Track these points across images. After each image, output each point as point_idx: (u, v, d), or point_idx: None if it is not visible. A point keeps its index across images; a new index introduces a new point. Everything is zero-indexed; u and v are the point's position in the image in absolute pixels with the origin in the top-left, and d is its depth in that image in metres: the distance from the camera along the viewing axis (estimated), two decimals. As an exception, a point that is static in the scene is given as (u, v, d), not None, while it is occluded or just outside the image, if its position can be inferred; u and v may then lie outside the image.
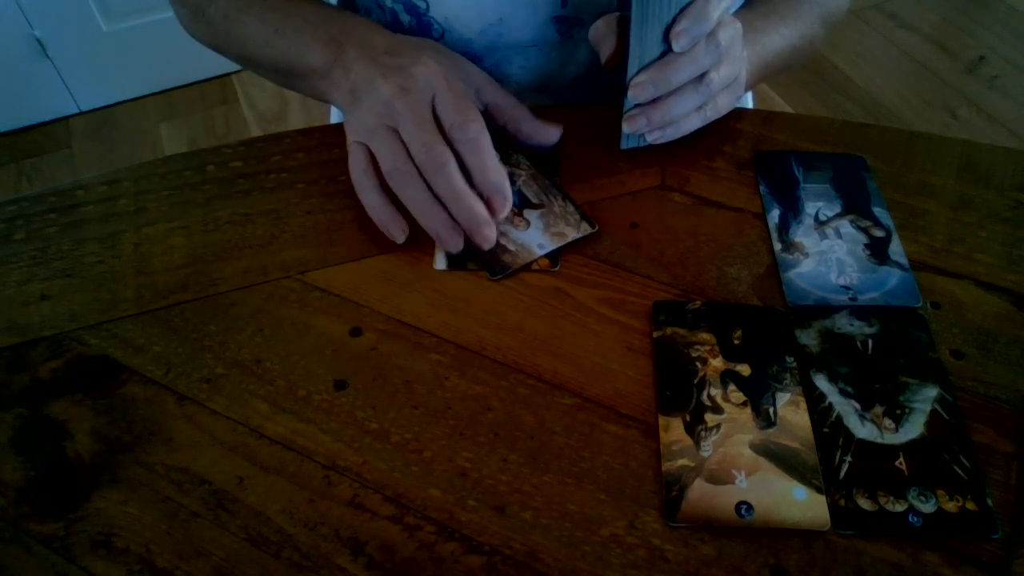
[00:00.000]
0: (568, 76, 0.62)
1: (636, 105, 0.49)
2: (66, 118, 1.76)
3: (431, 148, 0.45)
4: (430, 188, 0.46)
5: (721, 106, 0.52)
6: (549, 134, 0.52)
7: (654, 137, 0.51)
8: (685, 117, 0.50)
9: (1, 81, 1.64)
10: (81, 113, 1.77)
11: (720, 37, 0.48)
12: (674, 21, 0.46)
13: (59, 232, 0.49)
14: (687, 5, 0.46)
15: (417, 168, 0.46)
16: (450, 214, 0.46)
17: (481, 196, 0.46)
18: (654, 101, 0.49)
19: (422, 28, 0.58)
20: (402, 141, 0.46)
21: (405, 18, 0.58)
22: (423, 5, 0.56)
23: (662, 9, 0.46)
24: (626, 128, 0.50)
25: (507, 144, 0.53)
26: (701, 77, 0.49)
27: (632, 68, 0.48)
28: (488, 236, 0.46)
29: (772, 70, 0.59)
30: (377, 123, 0.47)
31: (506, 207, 0.47)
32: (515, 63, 0.60)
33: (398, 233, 0.47)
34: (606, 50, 0.49)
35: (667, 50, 0.47)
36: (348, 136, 0.50)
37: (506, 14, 0.56)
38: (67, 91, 1.72)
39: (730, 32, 0.49)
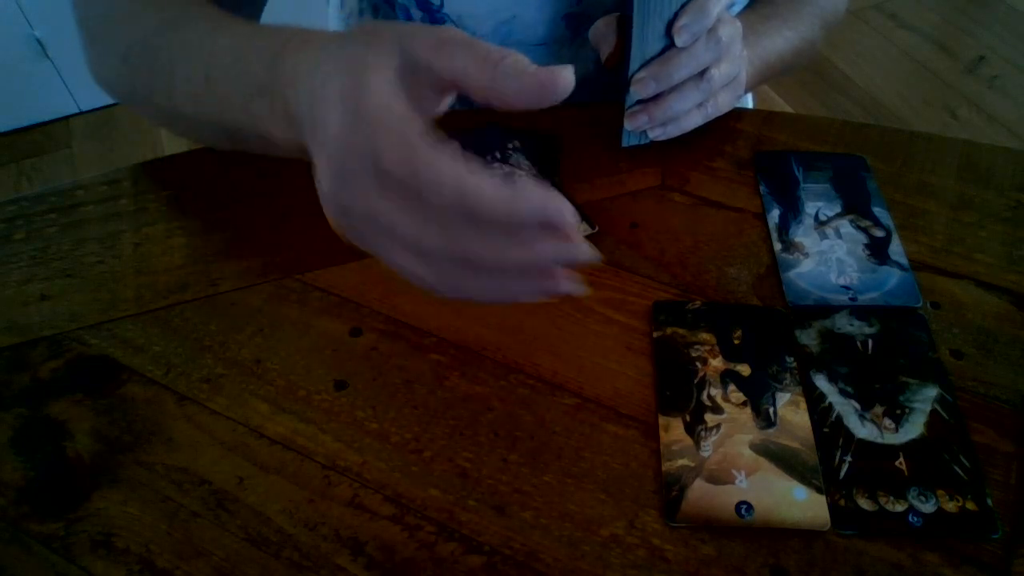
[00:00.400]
0: (577, 75, 0.62)
1: (638, 102, 0.49)
2: (66, 118, 1.76)
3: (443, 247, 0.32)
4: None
5: (722, 103, 0.52)
6: (558, 80, 0.33)
7: (656, 134, 0.51)
8: (686, 114, 0.50)
9: (1, 81, 1.64)
10: (81, 113, 1.77)
11: (720, 34, 0.48)
12: (675, 17, 0.46)
13: (59, 232, 0.49)
14: (687, 1, 0.46)
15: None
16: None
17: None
18: (655, 98, 0.49)
19: (434, 24, 0.58)
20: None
21: (417, 14, 0.58)
22: (436, 1, 0.56)
23: (663, 5, 0.46)
24: (628, 125, 0.50)
25: (505, 136, 0.52)
26: (702, 74, 0.49)
27: (634, 64, 0.48)
28: (587, 252, 0.32)
29: (773, 72, 0.59)
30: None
31: (568, 216, 0.31)
32: (519, 40, 0.60)
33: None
34: (606, 49, 0.49)
35: (668, 46, 0.48)
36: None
37: (519, 11, 0.56)
38: (67, 91, 1.72)
39: (730, 30, 0.49)
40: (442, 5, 0.56)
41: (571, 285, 0.33)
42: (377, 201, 0.32)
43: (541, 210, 0.30)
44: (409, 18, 0.59)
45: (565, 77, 0.33)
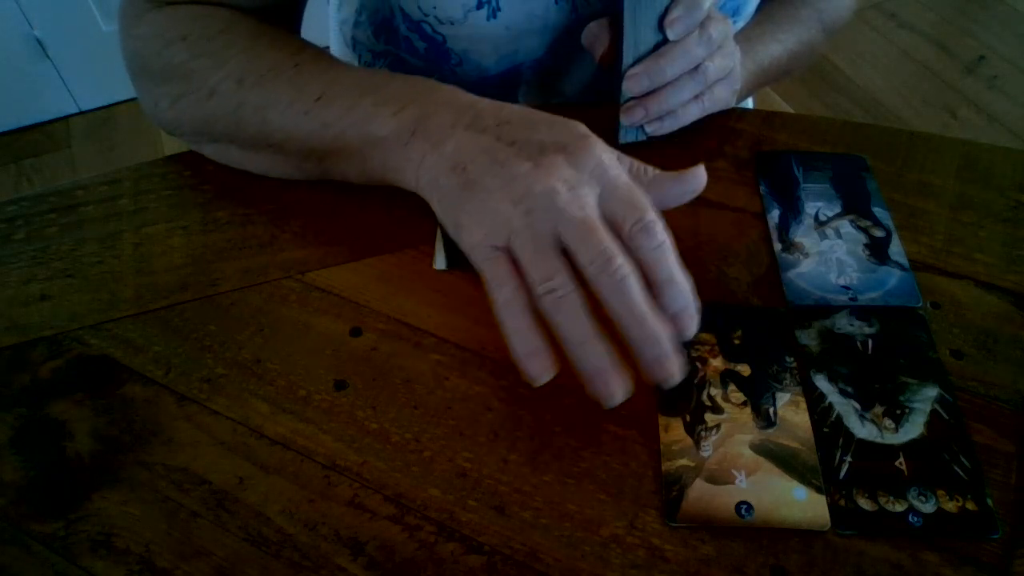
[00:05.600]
0: (577, 80, 0.62)
1: (633, 97, 0.49)
2: (66, 118, 1.76)
3: (611, 260, 0.35)
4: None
5: (718, 97, 0.51)
6: (697, 178, 0.41)
7: (653, 128, 0.50)
8: (683, 107, 0.50)
9: (1, 81, 1.64)
10: (81, 113, 1.77)
11: (711, 30, 0.48)
12: (666, 11, 0.46)
13: (59, 232, 0.49)
14: None
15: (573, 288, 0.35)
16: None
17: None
18: (651, 92, 0.49)
19: (439, 56, 0.57)
20: (561, 249, 0.36)
21: (420, 45, 0.58)
22: (439, 38, 0.56)
23: None
24: (624, 120, 0.50)
25: None
26: (696, 67, 0.49)
27: (627, 59, 0.48)
28: (674, 372, 0.35)
29: (770, 76, 0.59)
30: (524, 223, 0.36)
31: (694, 327, 0.37)
32: (526, 68, 0.60)
33: (542, 371, 0.36)
34: (599, 49, 0.49)
35: (661, 42, 0.48)
36: (465, 235, 0.38)
37: (521, 44, 0.56)
38: (67, 91, 1.72)
39: (721, 27, 0.48)
40: (445, 41, 0.56)
41: (620, 390, 0.35)
42: (589, 208, 0.36)
43: (691, 304, 0.37)
44: (413, 48, 0.59)
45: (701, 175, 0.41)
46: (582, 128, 0.40)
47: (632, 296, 0.35)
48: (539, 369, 0.35)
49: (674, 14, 0.46)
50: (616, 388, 0.35)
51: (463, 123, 0.40)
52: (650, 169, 0.41)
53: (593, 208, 0.37)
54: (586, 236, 0.35)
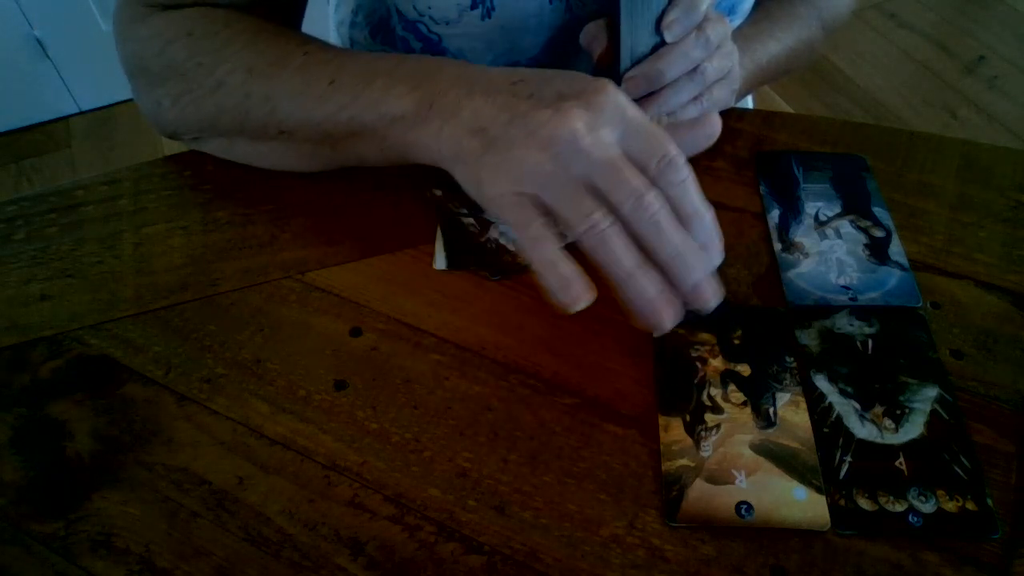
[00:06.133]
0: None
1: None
2: (66, 118, 1.76)
3: (643, 196, 0.36)
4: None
5: (717, 98, 0.51)
6: (712, 124, 0.43)
7: None
8: (682, 109, 0.50)
9: (1, 81, 1.64)
10: (81, 113, 1.77)
11: (709, 32, 0.47)
12: (663, 13, 0.46)
13: (59, 232, 0.49)
14: None
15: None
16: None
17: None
18: (649, 94, 0.49)
19: (435, 55, 0.57)
20: (592, 190, 0.37)
21: (416, 45, 0.58)
22: (435, 37, 0.56)
23: (651, 0, 0.46)
24: None
25: None
26: (695, 68, 0.49)
27: (624, 62, 0.48)
28: (713, 295, 0.37)
29: (768, 75, 0.59)
30: (553, 169, 0.37)
31: (720, 255, 0.39)
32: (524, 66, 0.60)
33: (579, 296, 0.36)
34: (596, 49, 0.49)
35: (658, 44, 0.48)
36: (487, 188, 0.39)
37: (516, 44, 0.56)
38: (67, 91, 1.72)
39: (720, 28, 0.48)
40: (441, 40, 0.56)
41: (670, 317, 0.37)
42: (612, 147, 0.37)
43: (717, 234, 0.38)
44: (409, 48, 0.59)
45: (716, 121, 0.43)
46: (596, 78, 0.40)
47: (668, 229, 0.36)
48: (576, 294, 0.36)
49: (671, 16, 0.46)
50: (667, 316, 0.37)
51: (478, 90, 0.40)
52: (663, 118, 0.43)
53: (617, 148, 0.37)
54: (616, 176, 0.36)
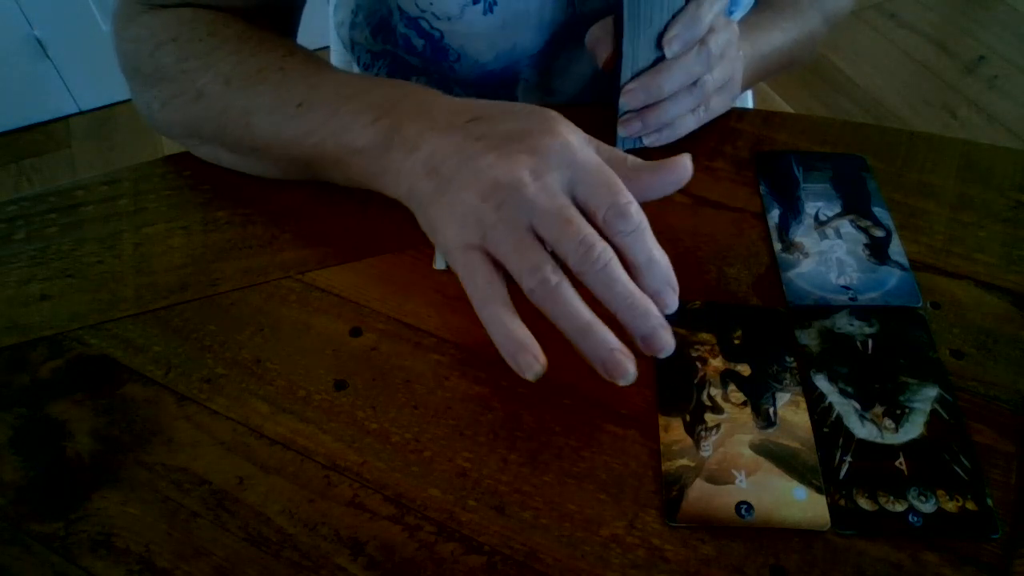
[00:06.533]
0: (574, 78, 0.62)
1: (630, 109, 0.49)
2: (66, 118, 1.76)
3: (591, 248, 0.35)
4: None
5: (714, 107, 0.52)
6: (680, 168, 0.40)
7: (650, 140, 0.51)
8: (681, 119, 0.50)
9: (1, 81, 1.64)
10: (81, 113, 1.77)
11: (711, 44, 0.47)
12: (666, 27, 0.46)
13: (59, 232, 0.49)
14: (679, 11, 0.46)
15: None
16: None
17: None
18: (649, 105, 0.49)
19: (437, 52, 0.58)
20: (540, 240, 0.36)
21: (418, 42, 0.58)
22: (436, 34, 0.56)
23: (653, 14, 0.45)
24: (621, 132, 0.50)
25: None
26: (695, 81, 0.49)
27: (625, 74, 0.48)
28: (668, 342, 0.36)
29: (771, 67, 0.59)
30: (497, 218, 0.36)
31: (675, 302, 0.38)
32: (524, 65, 0.60)
33: (531, 364, 0.35)
34: (602, 53, 0.49)
35: (659, 57, 0.47)
36: (440, 237, 0.38)
37: (518, 39, 0.56)
38: (67, 91, 1.72)
39: (723, 37, 0.48)
40: (443, 37, 0.56)
41: (629, 371, 0.36)
42: (558, 196, 0.36)
43: (672, 280, 0.37)
44: (411, 46, 0.59)
45: (686, 165, 0.40)
46: (550, 113, 0.39)
47: (616, 281, 0.35)
48: (528, 362, 0.35)
49: (672, 32, 0.46)
50: (628, 366, 0.35)
51: (438, 126, 0.40)
52: (630, 158, 0.40)
53: (563, 195, 0.36)
54: (562, 227, 0.35)
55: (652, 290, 0.37)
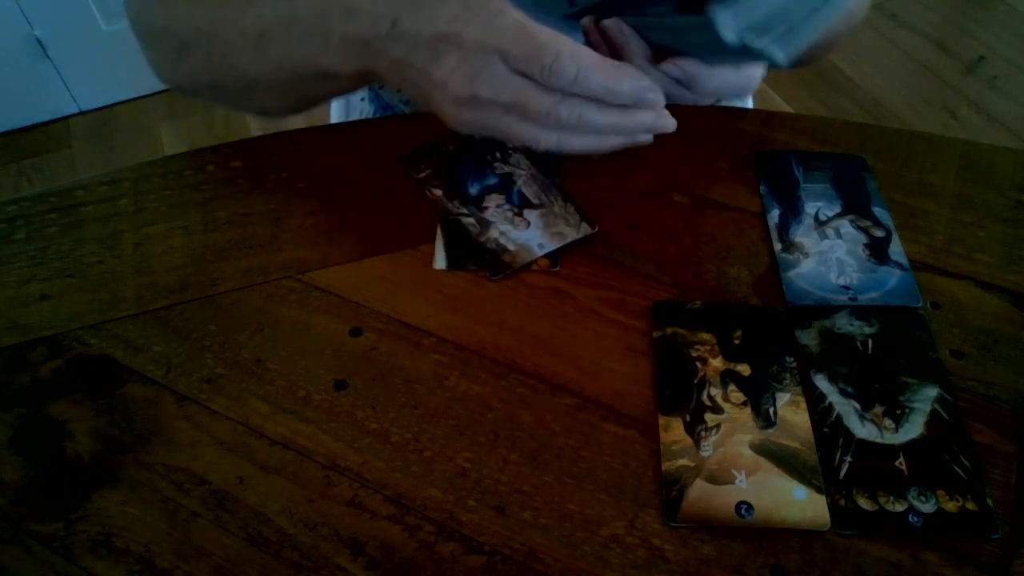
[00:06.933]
0: None
1: None
2: (66, 118, 1.76)
3: (559, 117, 0.40)
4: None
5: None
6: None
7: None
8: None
9: (1, 81, 1.64)
10: (81, 113, 1.77)
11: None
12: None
13: (59, 232, 0.49)
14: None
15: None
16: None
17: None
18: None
19: None
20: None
21: None
22: None
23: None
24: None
25: (506, 144, 0.53)
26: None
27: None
28: (669, 124, 0.42)
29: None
30: (474, 116, 0.41)
31: (659, 97, 0.41)
32: None
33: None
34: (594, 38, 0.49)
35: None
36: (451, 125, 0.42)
37: None
38: (67, 91, 1.72)
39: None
40: None
41: (665, 122, 0.41)
42: (509, 81, 0.39)
43: (643, 88, 0.40)
44: None
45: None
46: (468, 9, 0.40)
47: (595, 121, 0.40)
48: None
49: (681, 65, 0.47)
50: (660, 120, 0.41)
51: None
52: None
53: (506, 81, 0.39)
54: (524, 108, 0.39)
55: (630, 101, 0.40)
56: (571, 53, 0.38)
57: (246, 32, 0.45)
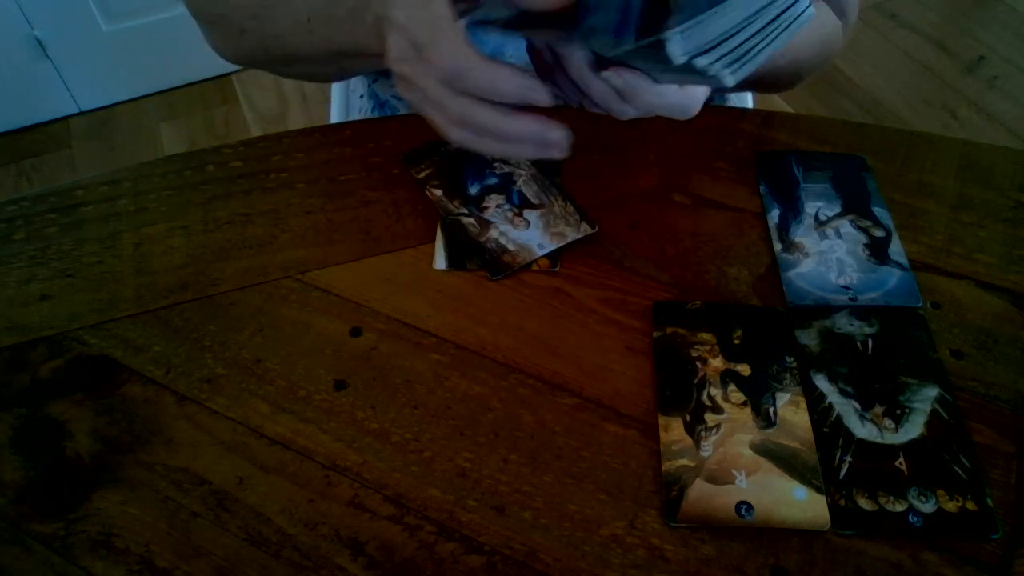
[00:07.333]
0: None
1: None
2: (66, 118, 1.76)
3: (470, 122, 0.41)
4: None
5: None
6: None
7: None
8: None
9: (1, 81, 1.64)
10: (81, 113, 1.77)
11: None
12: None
13: (59, 232, 0.49)
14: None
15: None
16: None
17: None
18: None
19: None
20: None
21: None
22: None
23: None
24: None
25: None
26: None
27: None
28: (560, 140, 0.40)
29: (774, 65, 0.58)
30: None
31: (543, 97, 0.40)
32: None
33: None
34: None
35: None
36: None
37: (505, 49, 0.56)
38: (67, 91, 1.72)
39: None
40: None
41: (557, 135, 0.40)
42: (424, 78, 0.40)
43: (519, 88, 0.39)
44: None
45: None
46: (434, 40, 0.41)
47: (480, 119, 0.40)
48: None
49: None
50: (560, 137, 0.40)
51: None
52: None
53: (435, 90, 0.40)
54: (444, 119, 0.41)
55: (519, 102, 0.40)
56: (451, 49, 0.39)
57: (297, 17, 0.49)
